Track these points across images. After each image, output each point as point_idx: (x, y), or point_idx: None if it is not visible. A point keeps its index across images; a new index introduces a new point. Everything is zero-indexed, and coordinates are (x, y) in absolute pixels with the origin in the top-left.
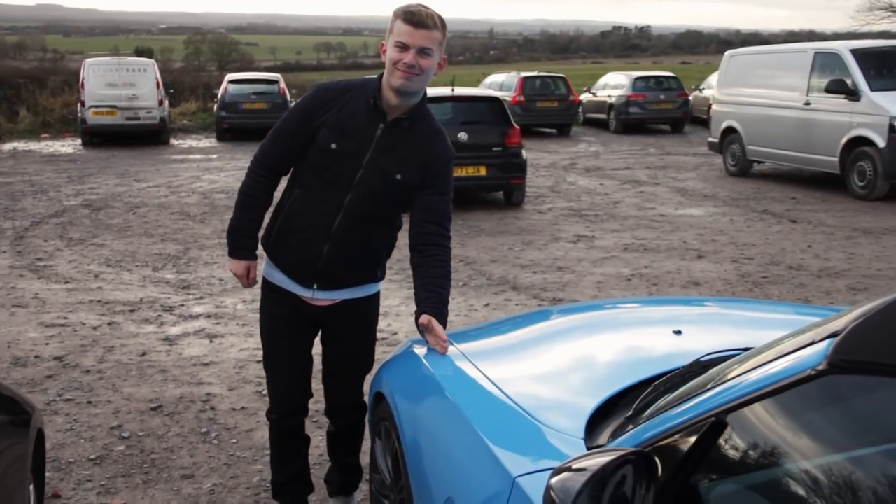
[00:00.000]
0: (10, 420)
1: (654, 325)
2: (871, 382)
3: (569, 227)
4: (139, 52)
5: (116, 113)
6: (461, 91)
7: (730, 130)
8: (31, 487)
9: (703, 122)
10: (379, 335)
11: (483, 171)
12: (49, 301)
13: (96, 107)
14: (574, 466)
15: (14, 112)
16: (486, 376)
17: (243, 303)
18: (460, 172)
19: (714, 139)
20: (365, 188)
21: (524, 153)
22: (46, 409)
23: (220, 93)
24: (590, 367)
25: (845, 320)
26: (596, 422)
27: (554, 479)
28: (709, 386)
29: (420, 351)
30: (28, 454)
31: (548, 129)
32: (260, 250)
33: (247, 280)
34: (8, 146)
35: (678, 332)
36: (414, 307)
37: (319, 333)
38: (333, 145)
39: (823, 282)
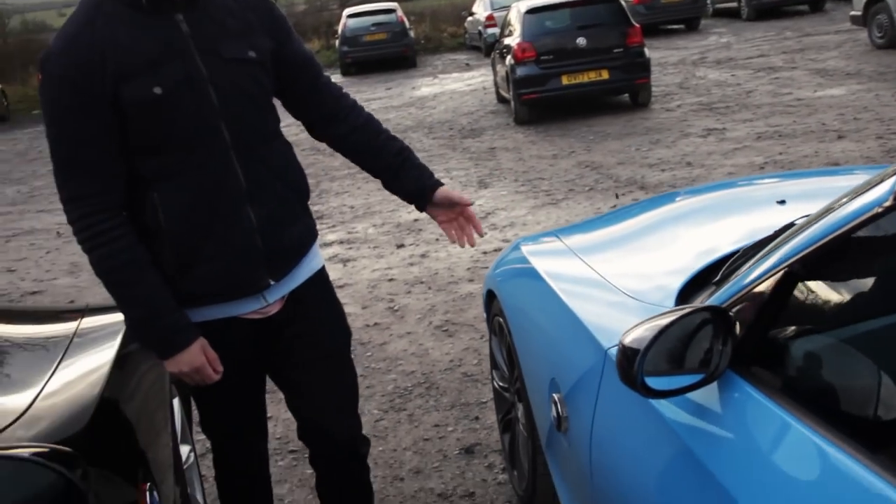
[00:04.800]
0: None
1: (761, 197)
2: None
3: (698, 122)
4: None
5: None
6: None
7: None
8: (177, 402)
9: None
10: (504, 244)
11: (605, 75)
12: None
13: None
14: (646, 325)
15: None
16: (584, 262)
17: (374, 227)
18: (582, 78)
19: (857, 12)
20: (234, 102)
21: (647, 52)
22: None
23: (339, 28)
24: (689, 244)
25: None
26: (689, 293)
27: (626, 337)
28: (784, 240)
29: (526, 248)
30: (165, 371)
31: (675, 26)
32: None
33: (209, 366)
34: None
35: (782, 202)
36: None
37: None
38: (157, 89)
39: None
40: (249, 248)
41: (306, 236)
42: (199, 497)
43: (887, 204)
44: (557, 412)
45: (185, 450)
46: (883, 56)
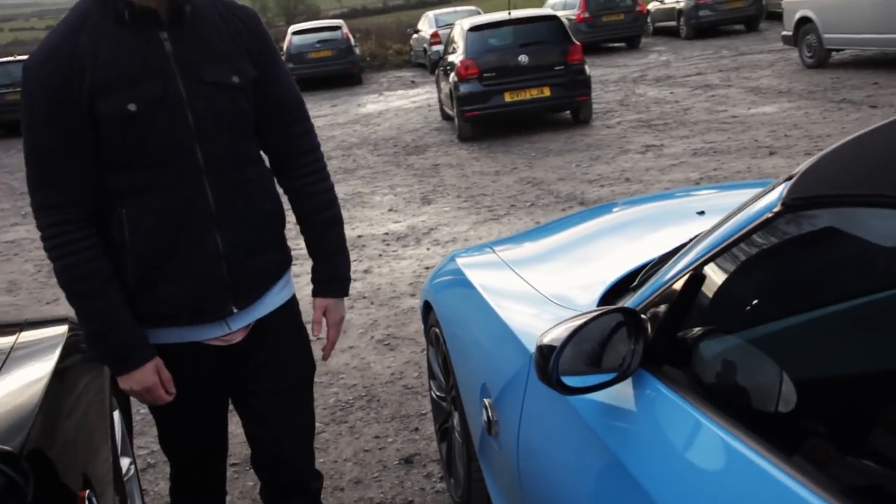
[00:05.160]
0: (84, 355)
1: (688, 209)
2: (830, 218)
3: (637, 139)
4: None
5: None
6: (517, 13)
7: (804, 21)
8: (117, 413)
9: (780, 17)
10: (442, 259)
11: (547, 92)
12: None
13: None
14: (562, 326)
15: None
16: (516, 273)
17: None
18: (524, 95)
19: (788, 32)
20: (211, 126)
21: (588, 69)
22: None
23: (285, 45)
24: (615, 254)
25: (801, 165)
26: (612, 299)
27: (544, 338)
28: (691, 247)
29: (461, 260)
30: (105, 383)
31: (616, 44)
32: None
33: (162, 388)
34: None
35: (701, 213)
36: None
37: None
38: (132, 106)
39: None
40: (213, 274)
41: (276, 266)
42: None
43: (776, 209)
44: (488, 416)
45: (125, 462)
46: (813, 75)
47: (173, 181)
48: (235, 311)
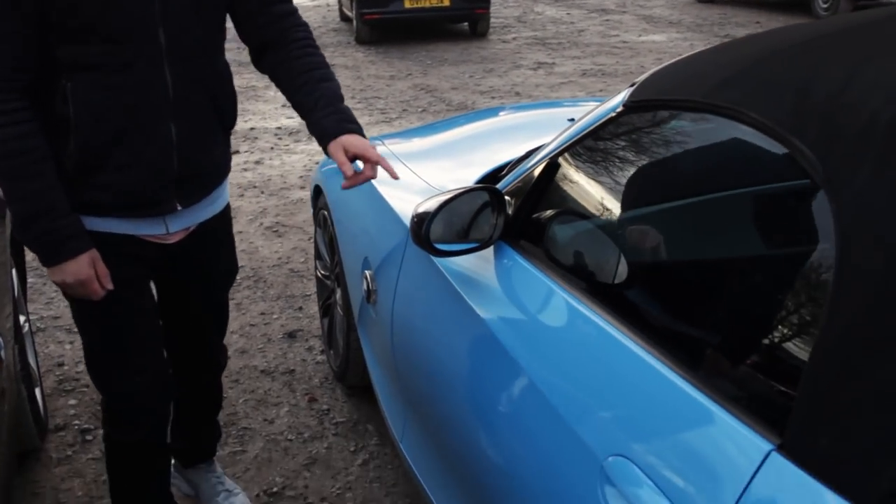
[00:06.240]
0: None
1: (563, 116)
2: (663, 118)
3: (531, 55)
4: None
5: None
6: None
7: None
8: (14, 271)
9: None
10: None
11: (447, 2)
12: None
13: None
14: (435, 199)
15: None
16: (402, 162)
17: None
18: (424, 3)
19: None
20: (178, 6)
21: None
22: None
23: None
24: (495, 150)
25: (643, 75)
26: None
27: (418, 208)
28: (552, 141)
29: None
30: (5, 242)
31: None
32: None
33: (97, 282)
34: None
35: (571, 120)
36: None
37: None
38: None
39: None
40: (163, 165)
41: (222, 166)
42: (31, 362)
43: (619, 110)
44: (368, 286)
45: (21, 319)
46: (703, 9)
47: (131, 61)
48: (179, 208)
